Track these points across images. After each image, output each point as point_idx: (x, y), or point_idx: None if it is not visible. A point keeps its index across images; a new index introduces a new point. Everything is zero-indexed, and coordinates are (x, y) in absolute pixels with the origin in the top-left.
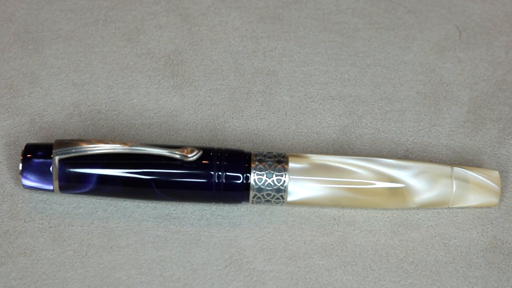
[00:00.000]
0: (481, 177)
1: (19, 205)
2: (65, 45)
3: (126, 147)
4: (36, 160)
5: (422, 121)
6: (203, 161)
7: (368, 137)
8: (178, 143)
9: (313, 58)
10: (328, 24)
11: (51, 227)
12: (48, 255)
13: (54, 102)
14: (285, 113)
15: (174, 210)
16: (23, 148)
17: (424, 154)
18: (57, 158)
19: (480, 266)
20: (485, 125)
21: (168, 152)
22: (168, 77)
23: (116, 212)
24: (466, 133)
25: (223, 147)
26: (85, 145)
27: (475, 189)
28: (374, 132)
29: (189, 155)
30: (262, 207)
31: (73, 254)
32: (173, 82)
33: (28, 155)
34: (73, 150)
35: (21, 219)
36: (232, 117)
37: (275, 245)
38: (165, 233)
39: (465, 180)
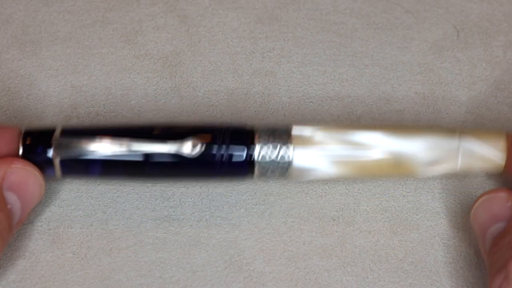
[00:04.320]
0: (487, 148)
1: None
2: (63, 47)
3: (125, 149)
4: (37, 152)
5: (421, 121)
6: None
7: None
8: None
9: (311, 58)
10: (326, 25)
11: (50, 230)
12: (47, 258)
13: (52, 104)
14: (284, 114)
15: (174, 211)
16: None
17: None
18: (57, 159)
19: (479, 266)
20: (484, 125)
21: (169, 150)
22: (166, 78)
23: (115, 214)
24: None
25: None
26: (85, 147)
27: (481, 160)
28: None
29: (192, 153)
30: (261, 207)
31: (72, 257)
32: (172, 84)
33: (27, 143)
34: (73, 154)
35: None
36: (231, 119)
37: (274, 246)
38: (165, 234)
39: (471, 152)
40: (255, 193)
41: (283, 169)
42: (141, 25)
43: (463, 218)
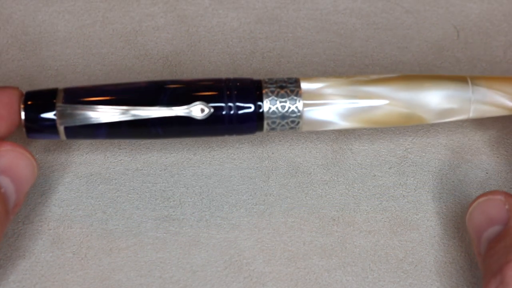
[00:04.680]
0: (499, 94)
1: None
2: (63, 47)
3: (130, 115)
4: (40, 118)
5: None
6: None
7: (367, 137)
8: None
9: (311, 58)
10: (326, 25)
11: (50, 229)
12: (47, 258)
13: None
14: None
15: (174, 211)
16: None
17: (423, 154)
18: (62, 127)
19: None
20: (484, 125)
21: (177, 114)
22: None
23: (115, 214)
24: (465, 132)
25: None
26: (89, 114)
27: (493, 106)
28: (373, 132)
29: (200, 115)
30: (261, 207)
31: (72, 257)
32: None
33: (29, 105)
34: (77, 122)
35: (19, 222)
36: None
37: (274, 246)
38: (165, 234)
39: (483, 102)
40: (255, 193)
41: (293, 123)
42: (141, 25)
43: (463, 218)
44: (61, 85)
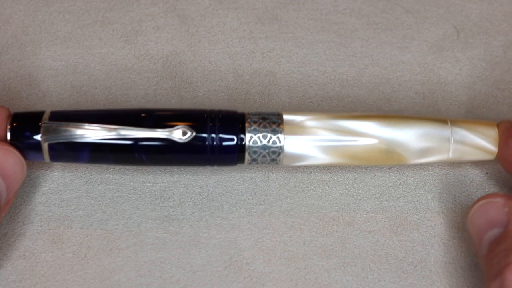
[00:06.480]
0: (478, 137)
1: (17, 208)
2: (63, 46)
3: (114, 135)
4: (25, 136)
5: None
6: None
7: None
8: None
9: (311, 58)
10: (326, 25)
11: (50, 229)
12: (47, 258)
13: (52, 104)
14: None
15: (173, 211)
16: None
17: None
18: (46, 144)
19: (480, 266)
20: None
21: (159, 135)
22: (166, 78)
23: (115, 214)
24: None
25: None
26: (74, 131)
27: (472, 149)
28: None
29: (182, 138)
30: (261, 207)
31: (72, 257)
32: (171, 84)
33: (15, 126)
34: (62, 139)
35: (20, 222)
36: None
37: (274, 246)
38: (165, 234)
39: (462, 141)
40: (255, 193)
41: (274, 154)
42: (141, 25)
43: (463, 218)
44: (61, 85)
